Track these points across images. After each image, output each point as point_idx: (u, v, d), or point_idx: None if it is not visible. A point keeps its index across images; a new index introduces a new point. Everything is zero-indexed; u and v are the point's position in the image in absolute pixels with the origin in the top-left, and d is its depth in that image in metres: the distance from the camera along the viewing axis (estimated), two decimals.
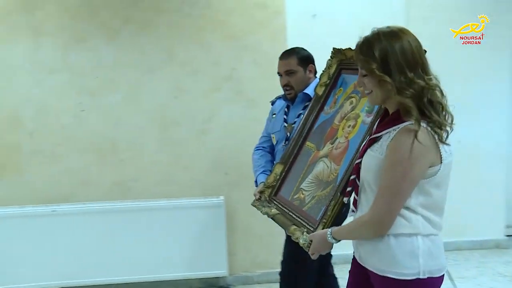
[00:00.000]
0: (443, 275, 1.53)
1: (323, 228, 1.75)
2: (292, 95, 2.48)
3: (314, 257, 1.75)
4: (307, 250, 1.78)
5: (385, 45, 1.42)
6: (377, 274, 1.52)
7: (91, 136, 3.30)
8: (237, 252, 3.45)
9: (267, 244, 3.44)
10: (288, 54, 2.48)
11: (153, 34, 3.24)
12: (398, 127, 1.43)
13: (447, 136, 1.46)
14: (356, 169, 1.60)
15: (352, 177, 1.63)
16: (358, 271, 1.65)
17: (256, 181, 2.54)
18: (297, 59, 2.44)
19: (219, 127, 3.35)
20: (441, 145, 1.44)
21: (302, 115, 2.37)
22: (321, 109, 2.24)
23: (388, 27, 1.48)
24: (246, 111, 3.35)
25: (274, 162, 2.48)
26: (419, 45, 1.46)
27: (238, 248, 3.45)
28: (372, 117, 1.84)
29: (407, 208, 1.47)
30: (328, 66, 2.25)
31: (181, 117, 3.32)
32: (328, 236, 1.63)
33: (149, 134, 3.35)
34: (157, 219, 3.30)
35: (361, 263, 1.60)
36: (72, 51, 3.23)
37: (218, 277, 3.44)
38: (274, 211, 2.18)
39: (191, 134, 3.34)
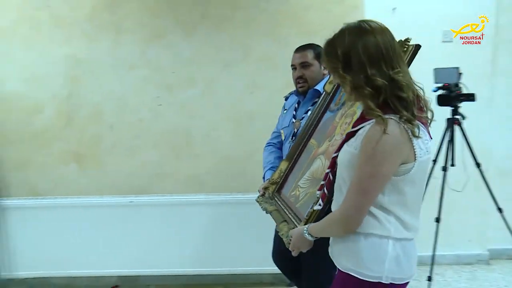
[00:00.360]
0: (407, 282, 1.49)
1: (304, 225, 1.70)
2: (305, 88, 2.44)
3: (294, 253, 1.72)
4: (288, 247, 1.75)
5: (348, 43, 1.40)
6: (341, 270, 1.51)
7: (167, 130, 3.38)
8: None
9: None
10: (305, 47, 2.44)
11: (230, 30, 3.27)
12: (373, 121, 1.38)
13: (427, 133, 1.43)
14: (332, 164, 1.56)
15: (327, 171, 1.59)
16: None
17: (264, 177, 2.55)
18: (314, 53, 2.40)
19: None
20: (415, 141, 1.38)
21: (310, 111, 2.35)
22: (328, 106, 2.23)
23: (358, 22, 1.45)
24: None
25: (283, 158, 2.47)
26: (388, 39, 1.41)
27: None
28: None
29: (380, 207, 1.43)
30: None
31: (256, 113, 3.34)
32: (305, 232, 1.62)
33: (224, 129, 3.38)
34: (230, 213, 3.35)
35: (332, 259, 1.58)
36: (150, 48, 3.31)
37: None
38: (272, 207, 2.19)
39: (266, 130, 3.31)
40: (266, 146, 2.71)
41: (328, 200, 1.62)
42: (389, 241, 1.44)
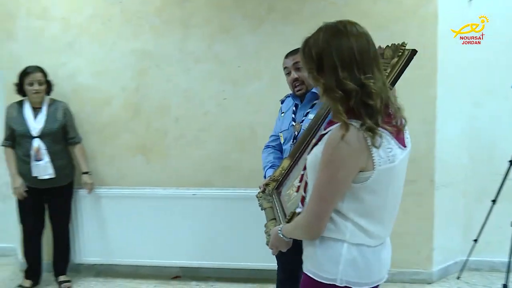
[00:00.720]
0: None
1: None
2: (303, 91, 2.38)
3: (272, 252, 1.73)
4: (267, 245, 1.75)
5: (323, 44, 1.37)
6: (303, 271, 1.53)
7: (232, 123, 3.40)
8: None
9: (402, 242, 3.31)
10: (296, 50, 2.34)
11: (296, 23, 3.24)
12: (335, 126, 1.37)
13: (392, 141, 1.40)
14: (305, 166, 1.53)
15: (302, 172, 1.57)
16: None
17: (264, 176, 2.52)
18: None
19: None
20: (374, 150, 1.34)
21: (310, 114, 2.29)
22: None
23: (335, 22, 1.42)
24: None
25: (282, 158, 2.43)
26: (363, 43, 1.36)
27: None
28: None
29: (338, 213, 1.43)
30: None
31: None
32: (279, 232, 1.62)
33: None
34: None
35: None
36: (217, 41, 3.34)
37: None
38: (268, 204, 2.18)
39: None
40: (264, 148, 2.67)
41: (302, 200, 1.60)
42: (343, 244, 1.44)
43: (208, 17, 3.33)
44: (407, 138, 1.51)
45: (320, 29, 1.43)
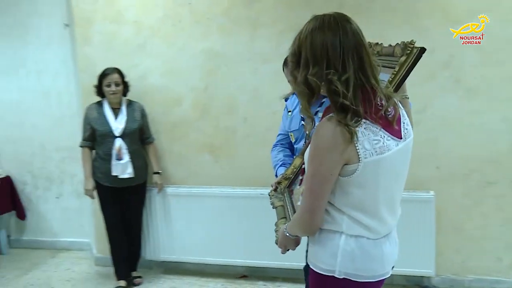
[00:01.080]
0: (369, 282, 1.45)
1: None
2: None
3: (281, 252, 1.71)
4: (276, 244, 1.74)
5: (302, 39, 1.39)
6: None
7: None
8: (445, 252, 3.21)
9: (481, 248, 3.15)
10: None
11: (366, 20, 3.10)
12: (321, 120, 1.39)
13: (381, 132, 1.38)
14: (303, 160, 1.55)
15: (303, 166, 1.56)
16: None
17: (276, 174, 2.52)
18: None
19: (432, 118, 3.14)
20: (358, 143, 1.34)
21: (319, 113, 2.19)
22: None
23: (321, 15, 1.42)
24: (463, 102, 3.09)
25: (292, 156, 2.45)
26: (340, 39, 1.35)
27: (447, 248, 3.21)
28: None
29: (333, 206, 1.44)
30: None
31: None
32: (285, 230, 1.61)
33: None
34: None
35: None
36: (285, 41, 3.28)
37: (423, 277, 3.26)
38: (279, 203, 2.16)
39: None
40: (273, 147, 2.68)
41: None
42: (341, 235, 1.44)
43: (276, 16, 3.31)
44: (406, 129, 1.48)
45: (304, 26, 1.43)
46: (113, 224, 3.51)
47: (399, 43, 1.59)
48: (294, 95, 2.54)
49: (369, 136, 1.36)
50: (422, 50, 1.53)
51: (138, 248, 3.66)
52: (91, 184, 3.41)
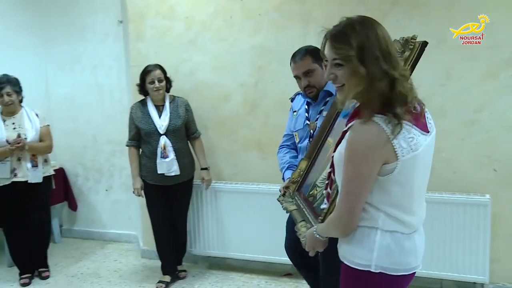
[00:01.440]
0: (404, 275, 1.49)
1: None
2: (314, 93, 2.43)
3: (311, 254, 1.73)
4: (304, 247, 1.76)
5: (361, 34, 1.37)
6: (341, 260, 1.56)
7: None
8: (501, 258, 3.07)
9: None
10: (302, 54, 2.44)
11: (423, 15, 3.05)
12: (354, 123, 1.40)
13: (413, 129, 1.42)
14: (332, 163, 1.56)
15: (329, 170, 1.59)
16: None
17: (283, 177, 2.56)
18: (312, 58, 2.40)
19: (491, 118, 3.00)
20: (395, 142, 1.37)
21: (324, 111, 2.33)
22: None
23: (358, 16, 1.44)
24: None
25: (299, 158, 2.46)
26: (389, 35, 1.42)
27: (503, 254, 3.07)
28: None
29: (370, 204, 1.46)
30: None
31: (447, 106, 3.08)
32: (314, 232, 1.65)
33: None
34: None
35: None
36: None
37: (475, 283, 3.12)
38: (292, 206, 2.21)
39: (457, 125, 3.08)
40: (280, 149, 2.72)
41: (333, 199, 1.63)
42: (377, 231, 1.47)
43: (328, 11, 3.25)
44: (430, 123, 1.53)
45: (350, 22, 1.43)
46: (160, 225, 3.53)
47: (398, 39, 1.63)
48: (299, 95, 2.61)
49: (404, 134, 1.39)
50: (424, 44, 1.58)
51: (183, 243, 3.68)
52: (138, 183, 3.44)
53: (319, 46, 3.20)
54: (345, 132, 1.47)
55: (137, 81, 3.40)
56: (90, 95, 4.40)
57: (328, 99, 2.41)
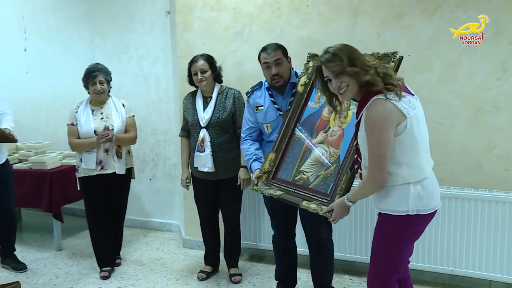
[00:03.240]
0: (431, 213, 2.04)
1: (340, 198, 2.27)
2: (281, 83, 2.81)
3: (335, 222, 2.30)
4: (328, 217, 2.30)
5: (345, 52, 2.03)
6: (380, 212, 2.10)
7: None
8: None
9: None
10: (274, 47, 2.83)
11: (477, 6, 2.96)
12: (366, 106, 1.95)
13: (406, 93, 2.00)
14: (356, 150, 2.14)
15: (356, 156, 2.16)
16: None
17: (250, 168, 2.89)
18: (282, 51, 2.82)
19: None
20: (399, 105, 1.91)
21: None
22: (305, 104, 2.69)
23: (335, 45, 2.11)
24: None
25: (267, 149, 2.82)
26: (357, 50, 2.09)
27: None
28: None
29: (395, 163, 1.97)
30: (306, 68, 2.76)
31: (502, 101, 2.99)
32: (346, 201, 2.19)
33: (460, 118, 3.11)
34: (459, 208, 3.06)
35: (374, 206, 2.16)
36: (387, 29, 3.20)
37: None
38: (278, 192, 2.59)
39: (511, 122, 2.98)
40: (243, 141, 2.99)
41: (360, 175, 2.17)
42: (409, 185, 1.99)
43: (378, 3, 3.20)
44: (410, 89, 2.09)
45: (336, 48, 2.08)
46: (205, 221, 3.50)
47: (374, 53, 2.39)
48: (256, 91, 2.96)
49: (403, 99, 1.94)
50: (401, 57, 2.34)
51: (236, 244, 3.53)
52: (185, 174, 3.42)
53: (368, 38, 3.16)
54: (358, 123, 2.04)
55: (184, 71, 3.38)
56: (136, 85, 4.47)
57: (295, 90, 2.77)
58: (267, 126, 2.89)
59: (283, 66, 2.80)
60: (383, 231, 2.11)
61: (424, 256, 3.18)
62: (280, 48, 2.82)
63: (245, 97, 3.10)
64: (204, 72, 3.22)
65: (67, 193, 4.06)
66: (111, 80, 3.58)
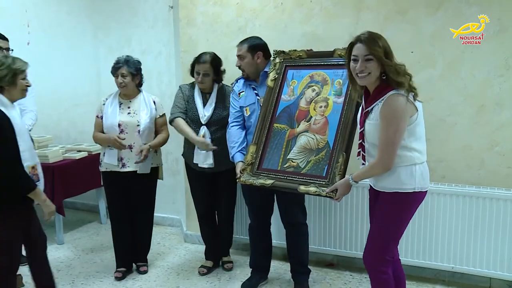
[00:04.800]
0: (425, 192, 2.30)
1: (340, 179, 2.48)
2: (245, 75, 3.10)
3: (339, 200, 2.49)
4: (332, 197, 2.46)
5: (384, 42, 2.19)
6: (386, 192, 2.28)
7: None
8: None
9: None
10: (242, 42, 3.10)
11: (482, 3, 2.95)
12: (383, 99, 2.17)
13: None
14: (361, 135, 2.34)
15: (360, 141, 2.36)
16: (372, 193, 2.44)
17: (233, 157, 3.04)
18: (247, 47, 3.04)
19: None
20: (413, 100, 2.18)
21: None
22: (279, 97, 2.91)
23: (373, 32, 2.26)
24: None
25: (250, 137, 2.99)
26: None
27: None
28: (342, 98, 2.72)
29: (405, 147, 2.21)
30: (274, 64, 3.00)
31: (505, 98, 2.98)
32: (350, 180, 2.37)
33: (462, 115, 3.11)
34: (461, 206, 3.06)
35: (374, 187, 2.37)
36: (390, 25, 3.19)
37: None
38: (269, 180, 2.70)
39: None
40: (230, 126, 3.13)
41: (363, 157, 2.39)
42: (415, 166, 2.24)
43: None
44: None
45: (373, 33, 2.25)
46: (202, 212, 3.52)
47: (336, 49, 2.82)
48: (239, 81, 3.17)
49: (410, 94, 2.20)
50: None
51: (229, 234, 3.61)
52: (200, 139, 3.19)
53: (372, 32, 3.14)
54: (367, 112, 2.26)
55: (187, 66, 3.38)
56: None
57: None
58: (246, 109, 3.08)
59: (244, 61, 3.05)
60: (388, 207, 2.29)
61: (424, 253, 3.18)
62: (246, 44, 3.06)
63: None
64: (206, 75, 3.24)
65: (69, 187, 4.08)
66: (139, 73, 3.38)
